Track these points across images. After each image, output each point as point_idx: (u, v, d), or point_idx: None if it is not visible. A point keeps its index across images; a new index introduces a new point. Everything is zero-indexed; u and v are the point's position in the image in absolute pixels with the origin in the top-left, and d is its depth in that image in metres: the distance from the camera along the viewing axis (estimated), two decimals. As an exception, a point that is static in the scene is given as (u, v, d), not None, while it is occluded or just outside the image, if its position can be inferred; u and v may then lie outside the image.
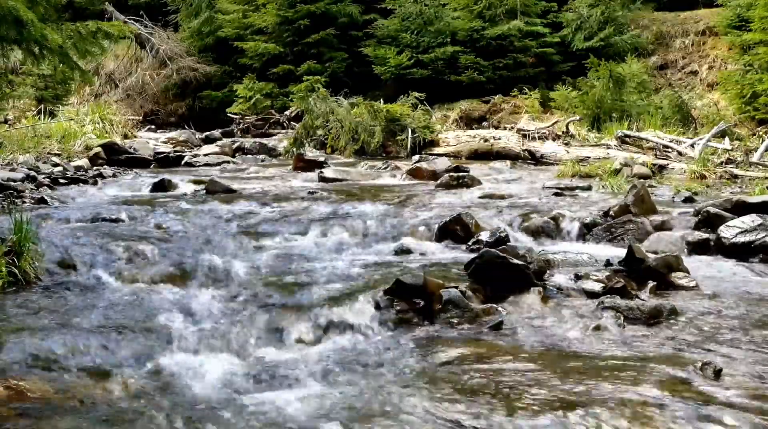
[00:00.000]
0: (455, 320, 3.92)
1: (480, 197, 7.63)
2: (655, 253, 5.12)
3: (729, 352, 3.46)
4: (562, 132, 12.20)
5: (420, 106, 13.02)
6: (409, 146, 11.94)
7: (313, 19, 17.03)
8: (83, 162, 10.29)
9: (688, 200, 7.20)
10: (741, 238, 5.31)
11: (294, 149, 11.90)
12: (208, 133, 15.51)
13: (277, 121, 15.89)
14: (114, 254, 5.05)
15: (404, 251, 5.46)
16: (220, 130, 15.79)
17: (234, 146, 13.29)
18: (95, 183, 8.90)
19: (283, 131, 15.08)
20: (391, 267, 4.93)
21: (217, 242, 5.51)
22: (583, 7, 15.73)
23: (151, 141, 13.55)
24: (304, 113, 12.78)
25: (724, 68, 14.23)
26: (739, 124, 11.98)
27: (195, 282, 4.64)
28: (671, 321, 3.91)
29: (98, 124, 13.13)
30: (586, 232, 5.98)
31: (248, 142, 13.74)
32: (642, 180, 8.27)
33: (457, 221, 5.83)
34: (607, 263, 4.85)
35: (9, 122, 13.06)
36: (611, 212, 6.16)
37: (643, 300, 4.18)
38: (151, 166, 11.02)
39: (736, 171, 8.98)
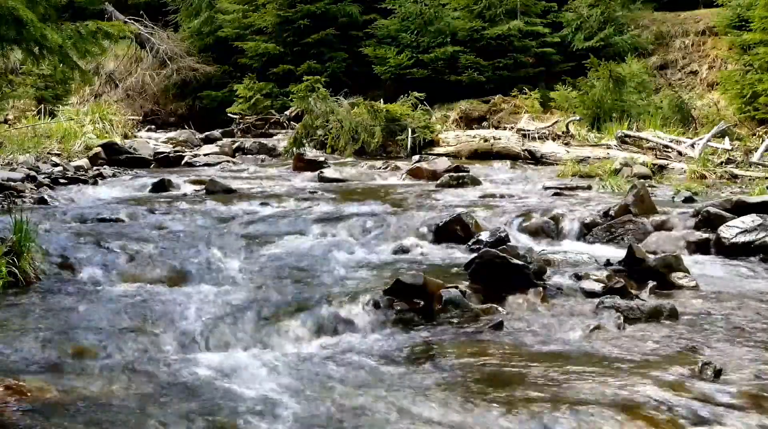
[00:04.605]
0: (455, 320, 3.92)
1: (480, 197, 7.63)
2: (655, 253, 5.12)
3: (729, 352, 3.46)
4: (562, 132, 12.19)
5: (420, 106, 13.00)
6: (409, 146, 11.92)
7: (313, 19, 17.02)
8: (83, 162, 10.27)
9: (688, 200, 7.20)
10: (741, 238, 5.31)
11: (294, 149, 11.88)
12: (208, 133, 15.48)
13: (277, 121, 15.87)
14: (114, 254, 5.05)
15: (404, 251, 5.46)
16: (220, 130, 15.77)
17: (234, 146, 13.27)
18: (95, 183, 8.89)
19: (283, 131, 15.05)
20: (391, 267, 4.93)
21: (217, 242, 5.51)
22: (583, 7, 15.71)
23: (151, 141, 13.53)
24: (304, 113, 12.76)
25: (724, 68, 14.21)
26: (739, 124, 11.97)
27: (195, 282, 4.64)
28: (671, 321, 3.92)
29: (98, 124, 13.11)
30: (586, 232, 5.98)
31: (248, 142, 13.72)
32: (642, 180, 8.27)
33: (457, 221, 5.83)
34: (607, 263, 4.85)
35: (9, 122, 13.05)
36: (611, 212, 6.15)
37: (643, 300, 4.18)
38: (151, 166, 11.00)
39: (736, 171, 8.98)
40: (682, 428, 2.69)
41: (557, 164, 10.34)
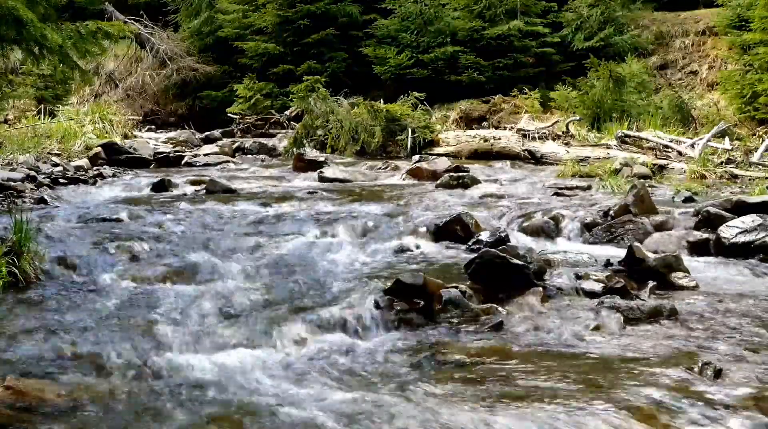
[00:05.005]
0: (455, 320, 3.92)
1: (480, 197, 7.63)
2: (655, 253, 5.12)
3: (729, 352, 3.46)
4: (562, 132, 12.19)
5: (420, 106, 13.00)
6: (409, 146, 11.92)
7: (313, 19, 17.03)
8: (83, 162, 10.28)
9: (688, 200, 7.20)
10: (741, 238, 5.31)
11: (294, 149, 11.89)
12: (208, 133, 15.49)
13: (277, 121, 15.87)
14: (114, 254, 5.05)
15: (404, 251, 5.46)
16: (220, 130, 15.78)
17: (234, 146, 13.28)
18: (95, 183, 8.90)
19: (283, 131, 15.05)
20: (391, 267, 4.93)
21: (217, 242, 5.51)
22: (583, 7, 15.71)
23: (151, 141, 13.54)
24: (304, 113, 12.77)
25: (724, 68, 14.21)
26: (739, 124, 11.97)
27: (194, 282, 4.64)
28: (671, 321, 3.92)
29: (98, 124, 13.11)
30: (586, 232, 5.98)
31: (248, 142, 13.73)
32: (642, 180, 8.27)
33: (457, 221, 5.83)
34: (607, 263, 4.85)
35: (9, 122, 13.05)
36: (611, 212, 6.16)
37: (643, 300, 4.18)
38: (151, 166, 11.01)
39: (736, 171, 8.98)
40: (682, 428, 2.69)
41: (557, 164, 10.34)
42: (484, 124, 14.30)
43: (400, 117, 12.23)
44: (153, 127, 17.42)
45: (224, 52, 18.56)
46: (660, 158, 10.03)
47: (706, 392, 2.97)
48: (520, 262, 4.36)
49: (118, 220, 6.25)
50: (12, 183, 7.72)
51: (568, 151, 10.88)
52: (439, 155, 11.27)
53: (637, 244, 5.13)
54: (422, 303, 4.02)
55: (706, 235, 5.56)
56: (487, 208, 6.84)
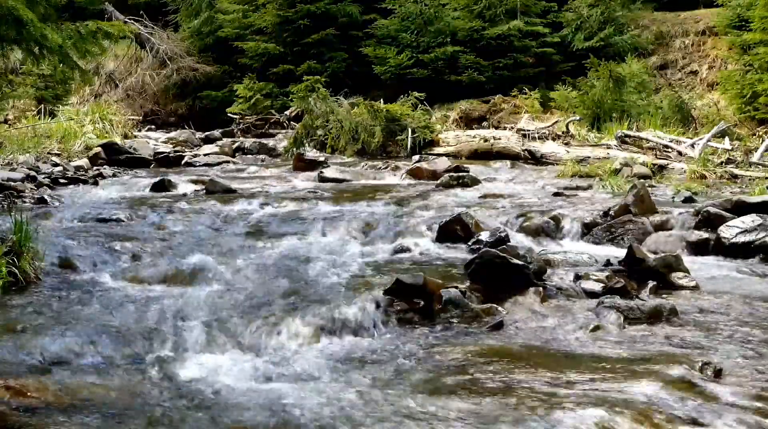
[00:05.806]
0: (455, 320, 3.92)
1: (480, 197, 7.63)
2: (655, 253, 5.12)
3: (729, 352, 3.46)
4: (562, 132, 12.19)
5: (420, 106, 13.00)
6: (409, 146, 11.92)
7: (313, 19, 17.02)
8: (83, 162, 10.28)
9: (688, 200, 7.20)
10: (741, 238, 5.31)
11: (294, 149, 11.89)
12: (208, 133, 15.48)
13: (277, 121, 15.86)
14: (114, 254, 5.05)
15: (404, 251, 5.46)
16: (220, 130, 15.77)
17: (234, 146, 13.27)
18: (95, 183, 8.89)
19: (283, 131, 15.04)
20: (391, 267, 4.93)
21: (217, 242, 5.52)
22: (583, 7, 15.70)
23: (151, 141, 13.53)
24: (304, 113, 12.78)
25: (724, 68, 14.21)
26: (739, 124, 11.97)
27: (194, 282, 4.63)
28: (671, 321, 3.92)
29: (98, 124, 13.10)
30: (586, 232, 5.98)
31: (248, 142, 13.72)
32: (642, 180, 8.27)
33: (457, 221, 5.83)
34: (607, 263, 4.85)
35: (9, 122, 13.05)
36: (611, 212, 6.16)
37: (643, 300, 4.18)
38: (151, 166, 11.01)
39: (736, 171, 8.98)
40: (682, 428, 2.69)
41: (557, 164, 10.34)
42: (484, 124, 14.29)
43: (400, 117, 12.23)
44: (153, 127, 17.41)
45: (224, 52, 18.55)
46: (660, 158, 10.03)
47: (706, 392, 2.97)
48: (520, 262, 4.36)
49: (118, 220, 6.25)
50: (12, 183, 7.71)
51: (568, 151, 10.88)
52: (439, 155, 11.27)
53: (637, 244, 5.13)
54: (422, 303, 4.02)
55: (706, 235, 5.56)
56: (487, 208, 6.84)
